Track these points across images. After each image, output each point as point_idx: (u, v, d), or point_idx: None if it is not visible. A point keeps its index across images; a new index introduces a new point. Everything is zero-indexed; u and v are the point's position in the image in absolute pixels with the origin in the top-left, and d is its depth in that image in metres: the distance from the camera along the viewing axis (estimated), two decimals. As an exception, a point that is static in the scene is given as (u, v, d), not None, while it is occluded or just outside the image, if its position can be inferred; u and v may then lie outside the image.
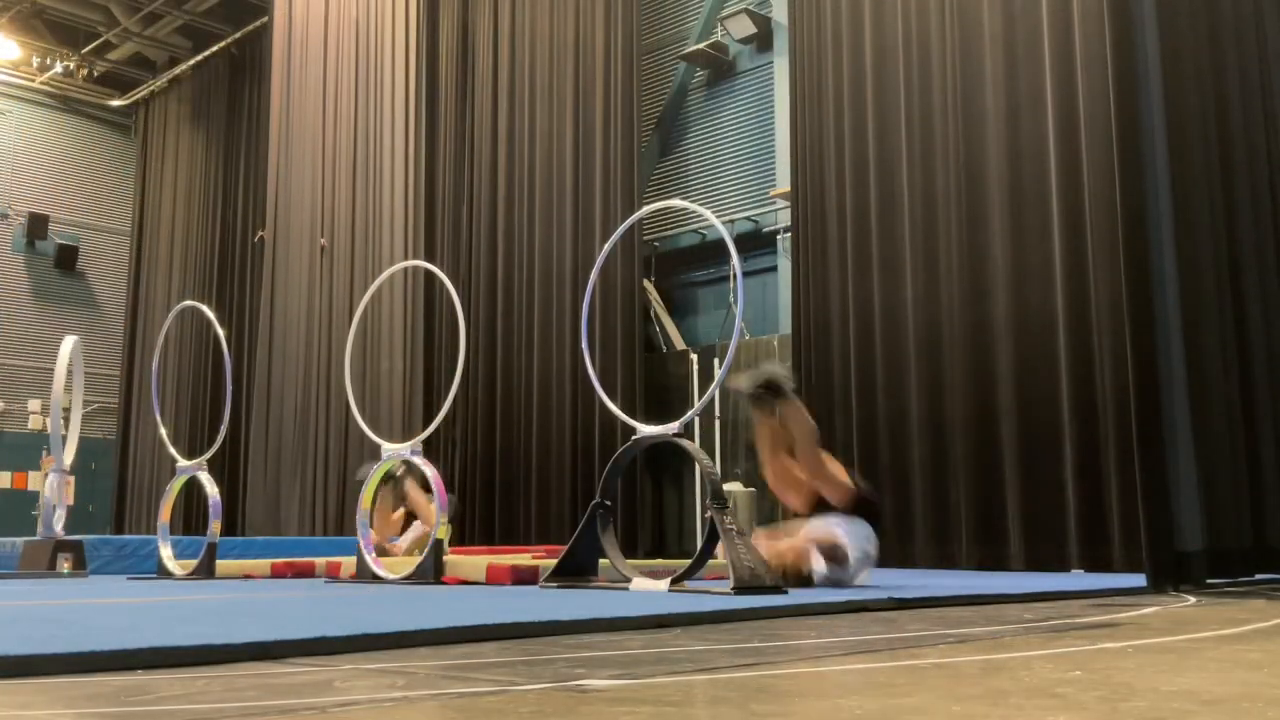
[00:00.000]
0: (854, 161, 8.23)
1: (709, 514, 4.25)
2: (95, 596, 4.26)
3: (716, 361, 10.24)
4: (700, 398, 8.71)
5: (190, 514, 13.07)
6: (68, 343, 7.33)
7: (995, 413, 7.01)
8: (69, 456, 7.13)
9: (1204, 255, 4.94)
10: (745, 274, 10.23)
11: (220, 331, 6.67)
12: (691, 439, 4.92)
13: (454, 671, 1.91)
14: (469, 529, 10.72)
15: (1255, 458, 5.02)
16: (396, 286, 10.88)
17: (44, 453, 12.77)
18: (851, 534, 4.62)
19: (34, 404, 15.53)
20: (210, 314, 6.73)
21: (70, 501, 6.83)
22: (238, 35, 14.96)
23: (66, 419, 7.10)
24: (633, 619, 2.80)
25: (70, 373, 7.19)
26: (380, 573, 5.33)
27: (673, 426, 4.48)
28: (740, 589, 3.93)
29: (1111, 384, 6.35)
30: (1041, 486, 6.71)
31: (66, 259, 16.44)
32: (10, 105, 16.30)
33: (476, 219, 11.47)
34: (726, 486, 8.76)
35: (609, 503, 4.65)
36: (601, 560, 4.71)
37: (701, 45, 11.09)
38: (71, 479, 6.96)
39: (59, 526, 6.86)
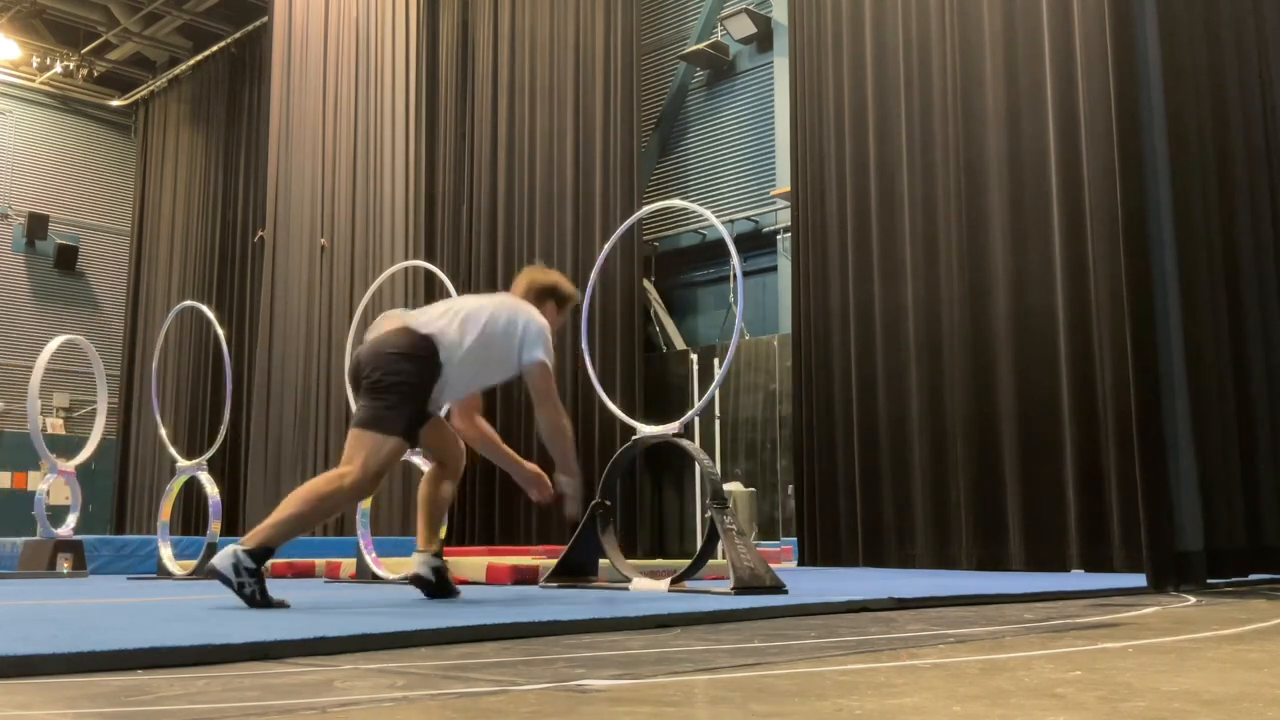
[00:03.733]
0: (854, 161, 8.23)
1: (709, 514, 4.25)
2: (95, 596, 4.26)
3: (716, 361, 10.24)
4: (700, 398, 8.71)
5: (190, 514, 13.06)
6: (55, 342, 7.42)
7: (995, 413, 7.01)
8: (83, 455, 7.19)
9: (1203, 255, 4.95)
10: (745, 274, 10.24)
11: (220, 331, 6.67)
12: (691, 439, 4.92)
13: (454, 671, 1.91)
14: (469, 529, 10.72)
15: (1253, 457, 5.02)
16: (396, 286, 10.87)
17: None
18: None
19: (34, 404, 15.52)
20: (210, 314, 6.73)
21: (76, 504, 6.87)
22: (238, 35, 14.95)
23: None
24: (633, 619, 2.80)
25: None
26: (380, 573, 5.33)
27: (673, 426, 4.48)
28: (740, 589, 3.93)
29: (1111, 384, 6.35)
30: (1041, 486, 6.70)
31: (66, 259, 16.43)
32: (10, 105, 16.29)
33: (476, 219, 11.47)
34: (726, 486, 8.76)
35: (609, 503, 4.65)
36: (601, 560, 4.71)
37: (701, 45, 11.09)
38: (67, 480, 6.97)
39: (69, 528, 6.90)
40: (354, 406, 3.92)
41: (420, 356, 3.68)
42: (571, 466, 3.91)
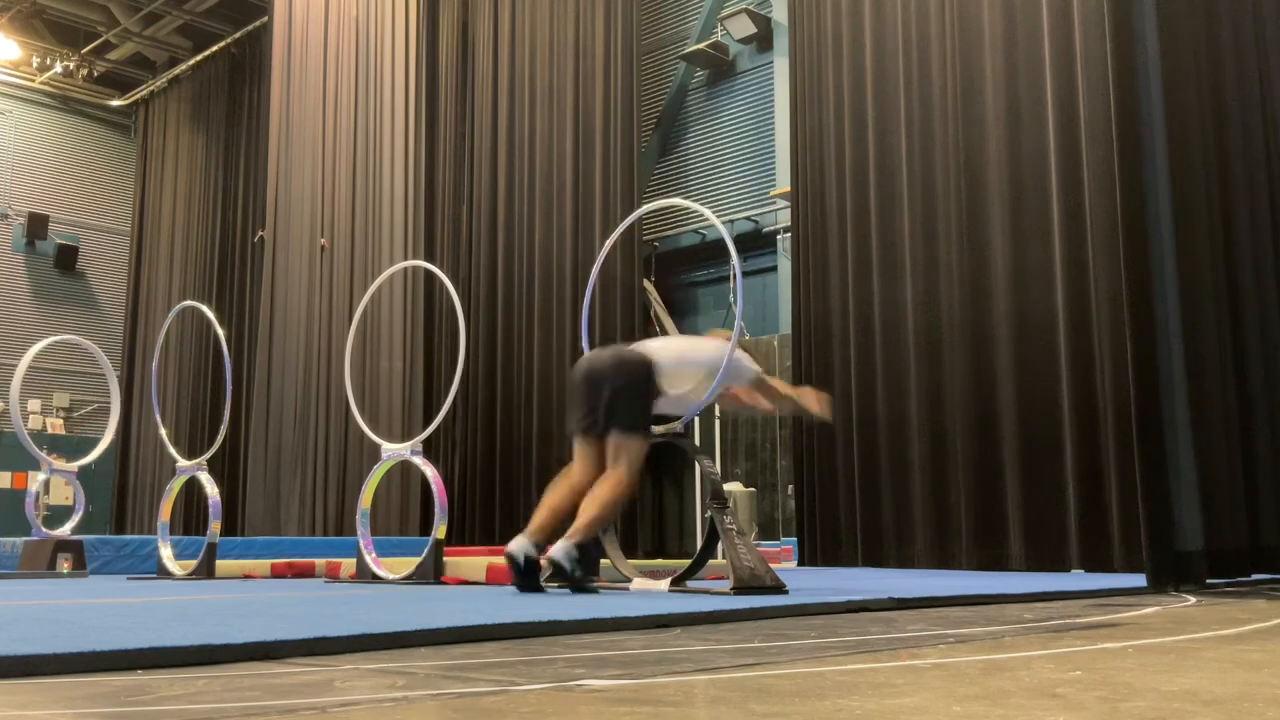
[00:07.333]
0: (854, 161, 8.24)
1: (709, 514, 4.25)
2: (95, 596, 4.26)
3: (716, 361, 10.22)
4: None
5: (190, 514, 13.07)
6: (41, 343, 7.47)
7: (995, 413, 7.01)
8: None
9: (1203, 255, 4.95)
10: (745, 274, 10.23)
11: (220, 331, 6.67)
12: (691, 439, 4.92)
13: (454, 671, 1.91)
14: (469, 529, 10.72)
15: (1253, 457, 5.02)
16: (396, 286, 10.87)
17: (43, 451, 12.80)
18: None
19: (34, 404, 15.52)
20: (210, 314, 6.73)
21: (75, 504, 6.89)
22: (238, 35, 14.96)
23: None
24: (633, 619, 2.80)
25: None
26: (380, 573, 5.33)
27: (673, 426, 4.48)
28: (740, 589, 3.93)
29: (1111, 384, 6.35)
30: (1041, 487, 6.70)
31: (66, 259, 16.43)
32: (10, 105, 16.29)
33: (476, 219, 11.48)
34: (726, 486, 8.76)
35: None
36: (602, 560, 4.71)
37: (701, 45, 11.09)
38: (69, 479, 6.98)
39: (68, 528, 6.92)
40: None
41: None
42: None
